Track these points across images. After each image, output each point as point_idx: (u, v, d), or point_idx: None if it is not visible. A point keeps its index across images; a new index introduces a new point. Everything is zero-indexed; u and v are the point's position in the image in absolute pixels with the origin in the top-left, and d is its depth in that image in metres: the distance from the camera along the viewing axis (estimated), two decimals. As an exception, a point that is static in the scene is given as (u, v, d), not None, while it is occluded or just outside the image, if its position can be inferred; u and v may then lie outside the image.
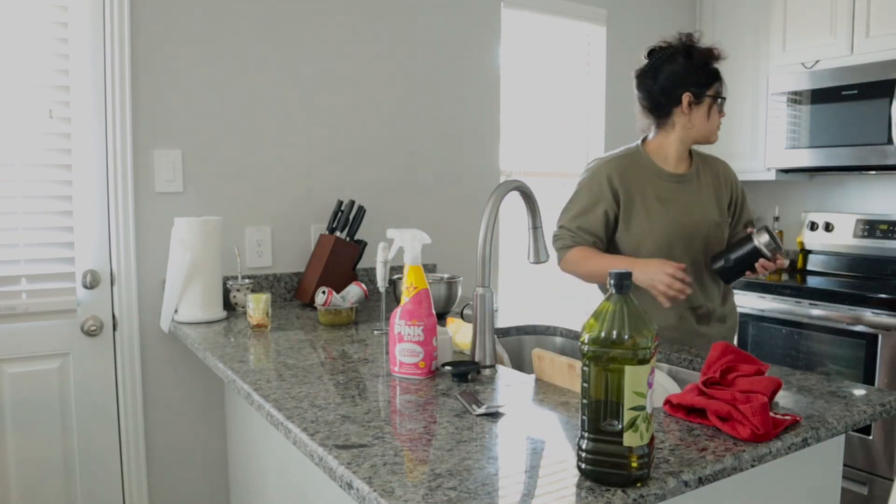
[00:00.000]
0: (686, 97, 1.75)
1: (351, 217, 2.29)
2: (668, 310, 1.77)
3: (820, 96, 2.88)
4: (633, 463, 0.84)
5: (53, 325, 2.00)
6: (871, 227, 3.01)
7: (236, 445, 2.18)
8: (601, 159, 1.85)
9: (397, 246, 1.47)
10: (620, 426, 0.83)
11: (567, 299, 3.19)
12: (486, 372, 1.41)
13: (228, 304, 2.17)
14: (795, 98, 2.97)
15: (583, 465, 0.87)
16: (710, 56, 1.76)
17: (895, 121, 2.63)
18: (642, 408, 0.83)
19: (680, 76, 1.74)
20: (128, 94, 2.03)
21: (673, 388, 1.41)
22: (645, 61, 1.82)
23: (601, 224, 1.79)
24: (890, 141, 2.66)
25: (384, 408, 1.18)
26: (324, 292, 1.95)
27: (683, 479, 0.89)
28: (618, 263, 1.72)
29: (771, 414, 1.04)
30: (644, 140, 1.89)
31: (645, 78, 1.80)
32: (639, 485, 0.85)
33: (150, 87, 2.09)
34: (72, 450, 2.05)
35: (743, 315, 2.92)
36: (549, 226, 3.03)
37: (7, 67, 1.89)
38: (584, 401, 0.86)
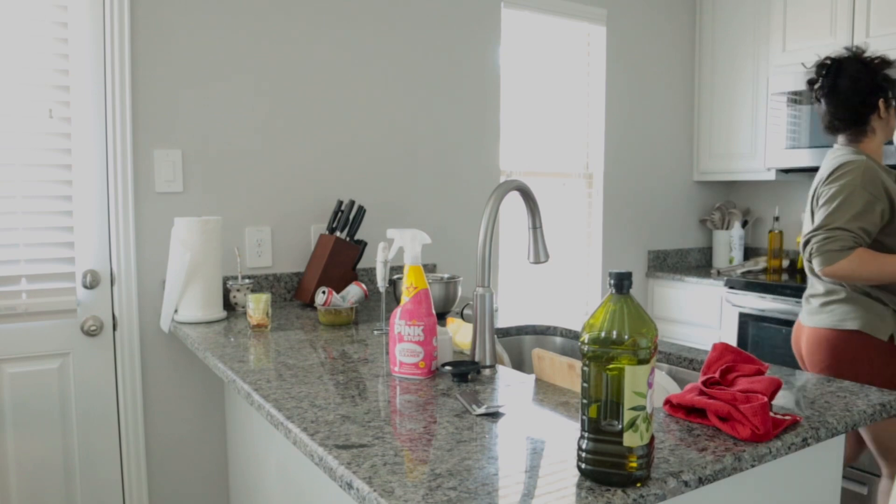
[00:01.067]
0: (882, 102, 1.86)
1: (351, 217, 2.29)
2: None
3: (820, 96, 2.88)
4: (633, 463, 0.84)
5: (53, 325, 2.00)
6: (871, 227, 3.01)
7: (236, 445, 2.18)
8: (857, 160, 1.83)
9: (397, 246, 1.47)
10: (620, 426, 0.83)
11: (567, 299, 3.19)
12: (486, 372, 1.41)
13: (228, 304, 2.17)
14: (795, 98, 2.97)
15: (583, 465, 0.87)
16: (884, 62, 1.87)
17: (895, 121, 2.63)
18: (642, 408, 0.83)
19: (869, 84, 1.86)
20: (128, 94, 2.04)
21: (673, 388, 1.41)
22: (815, 78, 1.91)
23: (878, 224, 1.79)
24: (890, 141, 2.65)
25: (384, 408, 1.18)
26: (324, 292, 1.95)
27: (683, 479, 0.89)
28: None
29: (771, 414, 1.04)
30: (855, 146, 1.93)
31: (833, 94, 1.88)
32: (639, 485, 0.85)
33: (150, 87, 2.09)
34: (72, 449, 2.05)
35: (743, 315, 2.92)
36: (549, 226, 3.04)
37: (7, 67, 1.89)
38: (584, 401, 0.86)
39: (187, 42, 2.14)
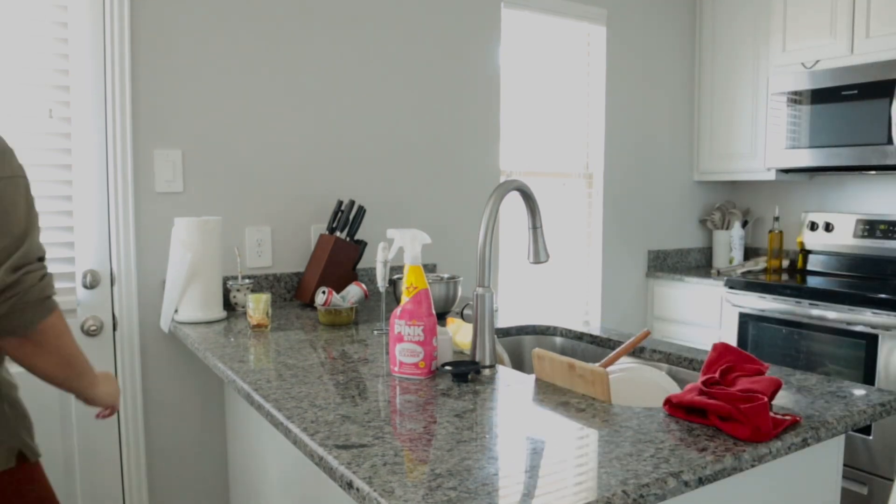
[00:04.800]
0: None
1: (351, 217, 2.29)
2: None
3: (820, 96, 2.88)
4: None
5: (53, 325, 2.00)
6: (871, 227, 3.02)
7: (236, 445, 2.18)
8: None
9: (397, 246, 1.47)
10: None
11: (567, 299, 3.19)
12: (486, 372, 1.41)
13: (228, 304, 2.17)
14: (795, 98, 2.97)
15: None
16: None
17: (895, 121, 2.63)
18: None
19: None
20: (128, 94, 2.03)
21: (673, 388, 1.41)
22: None
23: None
24: (890, 141, 2.65)
25: (384, 408, 1.18)
26: (324, 292, 1.95)
27: (683, 479, 0.89)
28: None
29: (771, 414, 1.05)
30: None
31: None
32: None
33: (150, 87, 2.09)
34: (72, 449, 2.05)
35: (743, 315, 2.92)
36: (549, 226, 3.04)
37: (7, 67, 1.89)
38: None
39: (187, 42, 2.14)
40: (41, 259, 1.03)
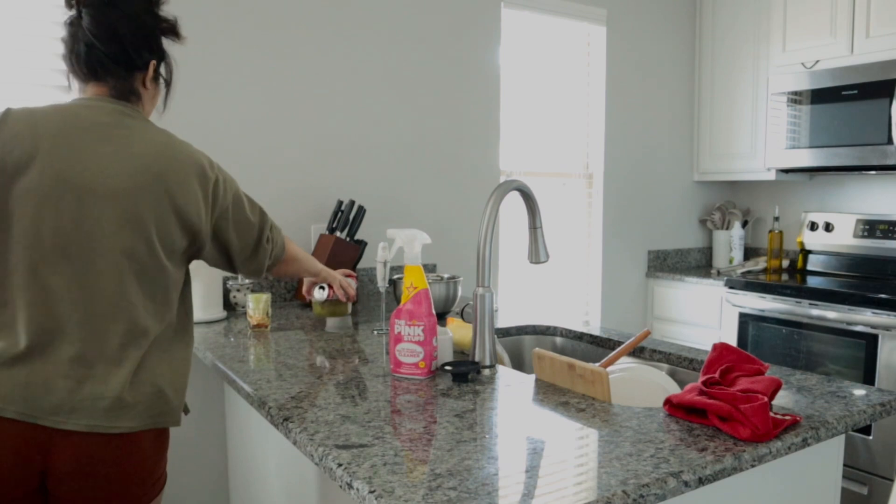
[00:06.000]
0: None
1: (351, 217, 2.29)
2: None
3: (820, 96, 2.88)
4: None
5: (53, 325, 2.00)
6: (871, 227, 3.02)
7: (236, 445, 2.18)
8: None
9: (397, 246, 1.47)
10: None
11: (567, 299, 3.19)
12: (486, 372, 1.41)
13: (228, 304, 2.17)
14: (795, 98, 2.97)
15: None
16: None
17: (895, 121, 2.63)
18: None
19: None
20: (128, 94, 2.03)
21: (673, 388, 1.41)
22: None
23: None
24: (890, 141, 2.65)
25: (384, 408, 1.18)
26: (322, 287, 1.94)
27: (683, 479, 0.89)
28: None
29: (771, 414, 1.05)
30: None
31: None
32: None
33: (150, 87, 2.09)
34: (72, 450, 2.05)
35: (743, 315, 2.92)
36: (549, 226, 3.04)
37: (7, 68, 1.89)
38: None
39: (188, 43, 2.14)
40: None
